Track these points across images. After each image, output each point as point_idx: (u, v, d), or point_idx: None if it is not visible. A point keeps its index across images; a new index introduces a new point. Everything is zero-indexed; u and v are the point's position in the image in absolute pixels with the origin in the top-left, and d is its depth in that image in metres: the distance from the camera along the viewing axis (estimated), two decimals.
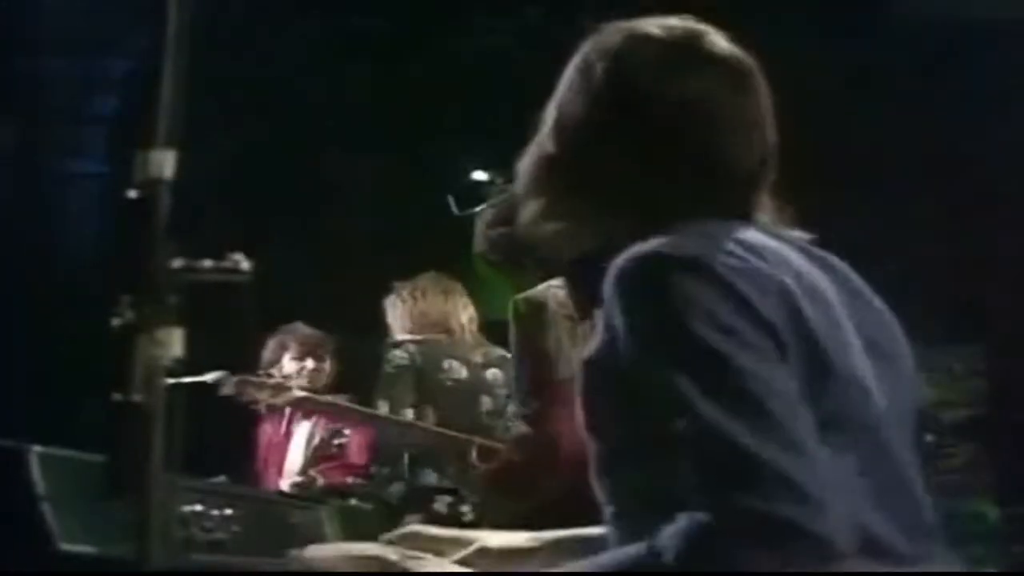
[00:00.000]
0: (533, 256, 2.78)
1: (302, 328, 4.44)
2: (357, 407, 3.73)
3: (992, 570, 4.93)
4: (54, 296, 5.70)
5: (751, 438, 1.10)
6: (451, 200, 5.52)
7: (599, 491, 1.31)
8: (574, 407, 2.82)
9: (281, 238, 5.40)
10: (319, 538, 2.07)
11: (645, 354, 1.19)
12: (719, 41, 1.36)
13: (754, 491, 1.08)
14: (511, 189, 3.03)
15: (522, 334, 2.67)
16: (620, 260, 1.22)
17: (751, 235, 1.27)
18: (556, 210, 1.38)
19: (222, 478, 3.02)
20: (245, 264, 1.01)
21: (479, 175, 6.09)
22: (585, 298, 1.36)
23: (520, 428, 2.68)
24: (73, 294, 5.40)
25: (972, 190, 5.16)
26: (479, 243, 2.97)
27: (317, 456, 4.35)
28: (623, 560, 1.20)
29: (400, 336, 3.75)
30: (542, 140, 1.40)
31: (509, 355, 3.72)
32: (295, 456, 4.40)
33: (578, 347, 2.63)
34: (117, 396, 0.95)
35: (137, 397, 0.94)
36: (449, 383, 3.58)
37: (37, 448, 1.43)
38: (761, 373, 1.14)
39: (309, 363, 4.36)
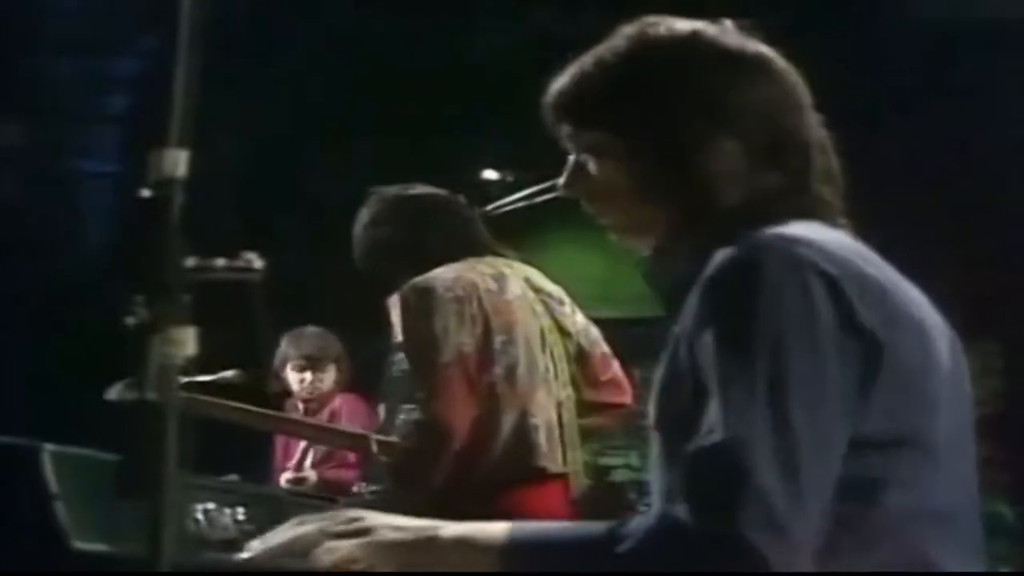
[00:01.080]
0: (404, 263, 2.82)
1: (306, 335, 4.40)
2: (239, 406, 3.63)
3: (1009, 570, 4.91)
4: (67, 295, 5.72)
5: (761, 458, 1.08)
6: (461, 199, 5.52)
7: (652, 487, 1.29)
8: (459, 391, 2.81)
9: (292, 236, 5.41)
10: None
11: (714, 341, 1.15)
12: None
13: (739, 511, 1.07)
14: (381, 193, 3.05)
15: (410, 320, 2.70)
16: (723, 252, 1.19)
17: (848, 239, 1.25)
18: (635, 216, 1.35)
19: (234, 476, 3.02)
20: (258, 263, 1.01)
21: (489, 174, 6.10)
22: (663, 290, 1.33)
23: (413, 415, 2.70)
24: (86, 293, 5.41)
25: (989, 185, 5.14)
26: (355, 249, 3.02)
27: (320, 454, 4.35)
28: (579, 534, 1.20)
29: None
30: (605, 143, 1.34)
31: None
32: (305, 454, 4.41)
33: (466, 332, 2.67)
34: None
35: (150, 396, 0.94)
36: None
37: (50, 447, 1.43)
38: (813, 397, 1.11)
39: (307, 376, 4.35)
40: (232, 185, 5.29)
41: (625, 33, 1.35)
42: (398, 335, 3.76)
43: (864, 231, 1.35)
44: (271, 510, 1.73)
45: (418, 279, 2.73)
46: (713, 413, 1.12)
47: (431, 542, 1.25)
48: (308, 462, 4.35)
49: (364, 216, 2.98)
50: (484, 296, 2.74)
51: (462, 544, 1.24)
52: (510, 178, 5.99)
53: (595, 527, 1.18)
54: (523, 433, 2.73)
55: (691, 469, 1.12)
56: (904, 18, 5.37)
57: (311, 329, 4.43)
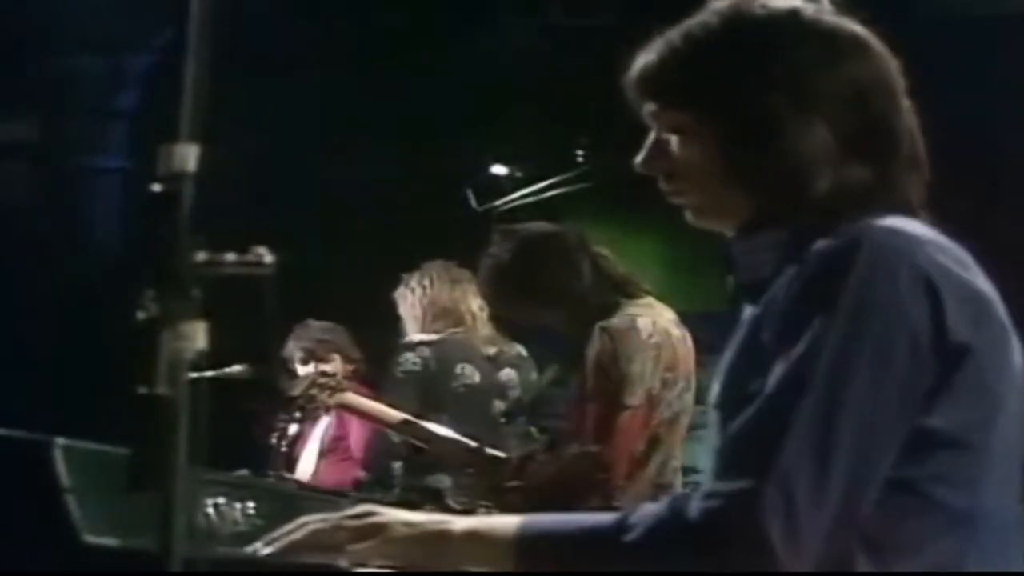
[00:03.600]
0: (555, 303, 2.81)
1: (309, 328, 4.41)
2: (398, 414, 3.62)
3: (1019, 570, 4.89)
4: (78, 290, 5.73)
5: (797, 446, 1.07)
6: (469, 194, 5.53)
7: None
8: (634, 433, 2.81)
9: (303, 232, 5.42)
10: None
11: (792, 325, 1.13)
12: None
13: (758, 492, 1.06)
14: (521, 231, 3.02)
15: (608, 358, 2.69)
16: (823, 243, 1.16)
17: (944, 238, 1.22)
18: (717, 198, 1.29)
19: (244, 471, 3.03)
20: (268, 258, 1.01)
21: (497, 168, 6.10)
22: (743, 274, 1.30)
23: (584, 447, 2.70)
24: (97, 288, 5.43)
25: (1010, 182, 5.13)
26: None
27: (325, 451, 4.35)
28: (588, 525, 1.19)
29: (413, 332, 3.73)
30: (691, 123, 1.28)
31: (525, 354, 3.69)
32: (311, 450, 4.41)
33: (657, 376, 2.70)
34: (141, 389, 0.96)
35: (161, 390, 0.95)
36: (462, 389, 3.56)
37: (61, 441, 1.44)
38: (872, 398, 1.10)
39: (311, 368, 4.36)
40: (243, 180, 5.30)
41: (716, 9, 1.29)
42: (407, 329, 3.76)
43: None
44: (281, 504, 1.73)
45: (620, 320, 2.73)
46: (766, 393, 1.10)
47: (443, 536, 1.25)
48: (315, 453, 4.36)
49: (507, 252, 2.88)
50: (677, 344, 2.77)
51: (474, 537, 1.24)
52: (519, 173, 5.99)
53: (605, 518, 1.18)
54: (664, 473, 2.78)
55: (727, 441, 1.12)
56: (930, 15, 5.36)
57: (314, 322, 4.44)
